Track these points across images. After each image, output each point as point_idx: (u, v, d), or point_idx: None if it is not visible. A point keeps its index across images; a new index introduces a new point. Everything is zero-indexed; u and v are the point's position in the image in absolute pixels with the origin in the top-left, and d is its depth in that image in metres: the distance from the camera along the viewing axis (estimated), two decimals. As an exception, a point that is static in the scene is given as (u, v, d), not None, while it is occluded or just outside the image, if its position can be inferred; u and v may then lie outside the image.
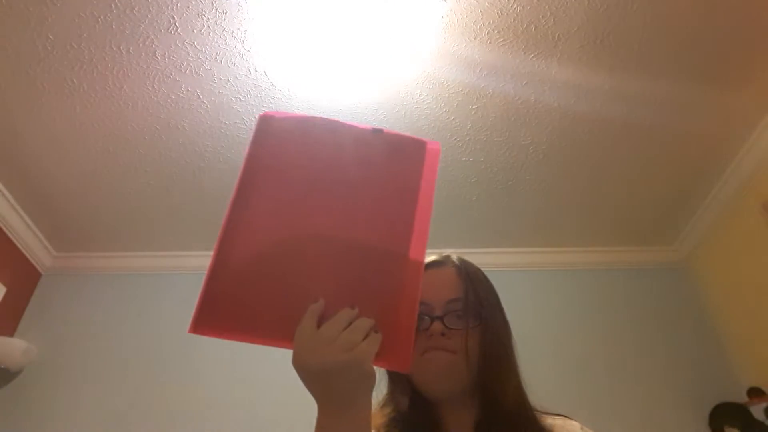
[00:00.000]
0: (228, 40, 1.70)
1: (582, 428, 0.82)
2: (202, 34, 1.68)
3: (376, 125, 0.74)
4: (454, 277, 0.86)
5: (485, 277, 0.91)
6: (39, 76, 1.79)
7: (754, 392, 2.12)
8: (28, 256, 2.50)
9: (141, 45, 1.71)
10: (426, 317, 0.80)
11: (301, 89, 1.87)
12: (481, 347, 0.79)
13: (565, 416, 0.85)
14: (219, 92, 1.87)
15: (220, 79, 1.82)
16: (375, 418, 0.86)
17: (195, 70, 1.79)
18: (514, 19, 1.66)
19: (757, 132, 2.08)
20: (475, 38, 1.71)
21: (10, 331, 2.38)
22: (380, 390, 0.89)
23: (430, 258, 0.89)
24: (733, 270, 2.37)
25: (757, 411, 2.11)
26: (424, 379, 0.82)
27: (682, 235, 2.60)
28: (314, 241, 0.67)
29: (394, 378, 0.87)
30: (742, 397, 2.15)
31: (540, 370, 0.89)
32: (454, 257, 0.91)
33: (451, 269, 0.88)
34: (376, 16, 1.60)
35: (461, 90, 1.88)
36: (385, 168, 0.73)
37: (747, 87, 1.92)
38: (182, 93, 1.87)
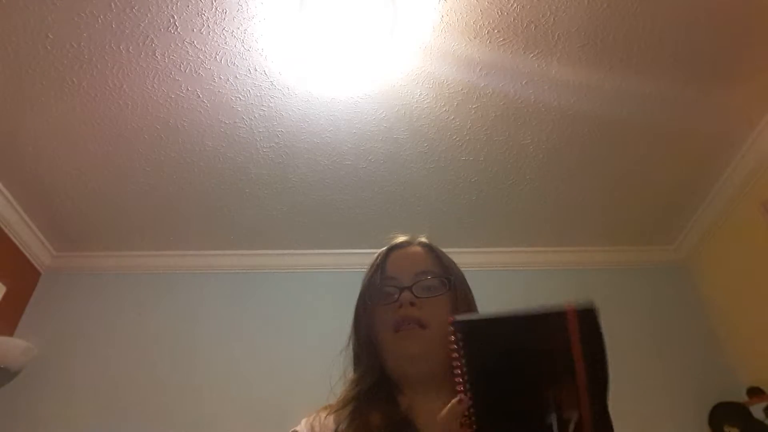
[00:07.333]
0: (228, 39, 1.70)
1: None
2: (201, 33, 1.68)
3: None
4: (422, 253, 0.90)
5: (451, 259, 0.94)
6: (38, 76, 1.79)
7: (754, 392, 2.12)
8: (27, 255, 2.50)
9: (141, 44, 1.70)
10: (395, 288, 0.82)
11: (301, 89, 1.86)
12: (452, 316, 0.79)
13: None
14: (219, 91, 1.87)
15: (220, 78, 1.82)
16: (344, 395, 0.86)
17: (195, 69, 1.79)
18: (514, 19, 1.66)
19: (757, 131, 2.07)
20: (475, 37, 1.71)
21: (10, 331, 2.38)
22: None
23: (398, 239, 0.94)
24: (732, 269, 2.36)
25: (756, 411, 2.10)
26: (397, 361, 0.82)
27: (682, 234, 2.60)
28: None
29: (363, 359, 0.87)
30: (742, 397, 2.15)
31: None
32: (422, 238, 0.94)
33: (417, 247, 0.92)
34: (375, 15, 1.60)
35: (461, 89, 1.88)
36: None
37: (747, 86, 1.91)
38: (182, 92, 1.87)
